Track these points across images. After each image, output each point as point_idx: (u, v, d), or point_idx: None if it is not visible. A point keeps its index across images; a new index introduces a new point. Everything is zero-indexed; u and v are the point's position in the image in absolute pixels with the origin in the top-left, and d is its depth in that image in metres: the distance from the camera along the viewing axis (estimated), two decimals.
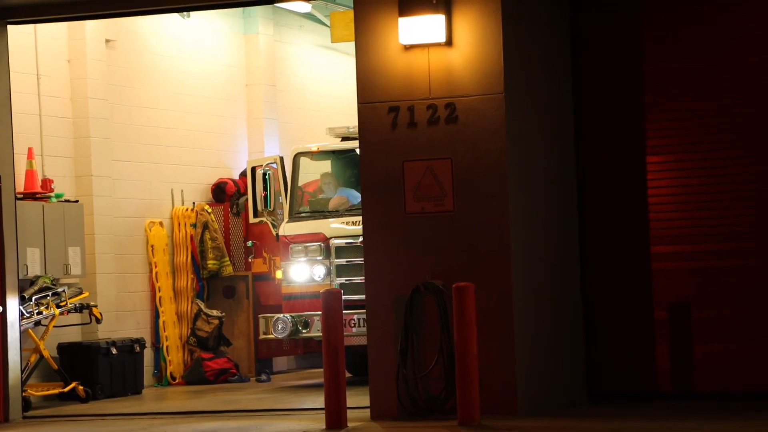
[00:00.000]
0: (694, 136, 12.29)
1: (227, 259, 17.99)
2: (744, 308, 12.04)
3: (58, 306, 14.98)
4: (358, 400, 12.00)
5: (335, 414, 11.02)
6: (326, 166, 16.81)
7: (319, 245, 15.90)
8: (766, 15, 12.07)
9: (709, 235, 12.20)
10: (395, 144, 11.61)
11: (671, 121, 12.35)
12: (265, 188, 16.33)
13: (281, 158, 16.56)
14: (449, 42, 11.47)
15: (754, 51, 12.08)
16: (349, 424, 11.07)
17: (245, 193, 18.47)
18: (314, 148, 16.65)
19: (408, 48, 11.57)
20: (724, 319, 12.11)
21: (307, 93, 20.67)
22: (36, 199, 15.38)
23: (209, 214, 17.95)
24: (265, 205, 16.34)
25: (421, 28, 11.44)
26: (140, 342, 16.29)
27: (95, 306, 15.49)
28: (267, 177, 16.35)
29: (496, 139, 11.36)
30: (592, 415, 11.62)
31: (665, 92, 12.33)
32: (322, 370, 11.19)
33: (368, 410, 11.66)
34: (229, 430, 11.70)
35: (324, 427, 11.04)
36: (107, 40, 16.82)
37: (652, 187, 12.36)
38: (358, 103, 11.78)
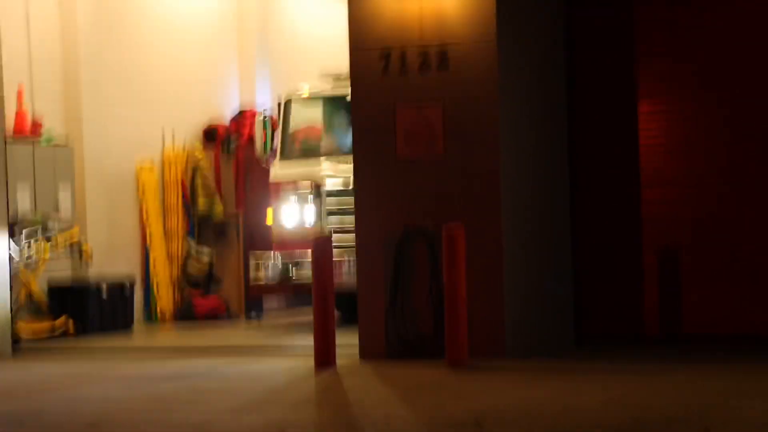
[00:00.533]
0: (686, 82, 12.35)
1: (218, 199, 18.10)
2: (730, 254, 12.18)
3: (47, 241, 15.06)
4: (347, 339, 12.13)
5: (324, 352, 11.18)
6: (318, 110, 16.85)
7: (311, 189, 15.97)
8: None
9: (698, 182, 12.30)
10: (387, 89, 11.70)
11: (663, 66, 12.41)
12: (264, 133, 16.41)
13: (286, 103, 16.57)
14: None
15: (746, 7, 12.15)
16: (338, 363, 11.22)
17: (235, 136, 18.57)
18: (306, 93, 16.70)
19: None
20: (712, 263, 12.25)
21: (299, 38, 20.67)
22: (26, 141, 15.43)
23: (200, 156, 18.04)
24: (265, 150, 16.43)
25: None
26: (130, 280, 16.43)
27: (86, 244, 15.61)
28: (266, 122, 16.44)
29: (487, 86, 11.46)
30: (577, 356, 11.83)
31: (657, 38, 12.40)
32: (312, 309, 11.34)
33: (357, 350, 11.82)
34: (217, 366, 11.85)
35: (313, 365, 11.19)
36: None
37: (644, 131, 12.46)
38: (350, 48, 11.87)
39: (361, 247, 11.87)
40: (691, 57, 12.32)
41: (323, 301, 11.19)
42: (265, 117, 16.45)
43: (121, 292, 16.22)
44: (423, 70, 11.60)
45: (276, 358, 12.36)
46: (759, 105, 12.09)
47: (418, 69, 11.62)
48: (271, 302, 18.96)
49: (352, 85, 11.94)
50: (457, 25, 11.51)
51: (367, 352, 11.73)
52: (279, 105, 16.61)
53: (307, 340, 12.14)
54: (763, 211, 12.11)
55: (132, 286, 16.44)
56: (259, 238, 17.92)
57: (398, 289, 11.62)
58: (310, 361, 11.28)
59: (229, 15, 19.32)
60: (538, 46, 12.35)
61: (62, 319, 15.17)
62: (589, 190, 12.61)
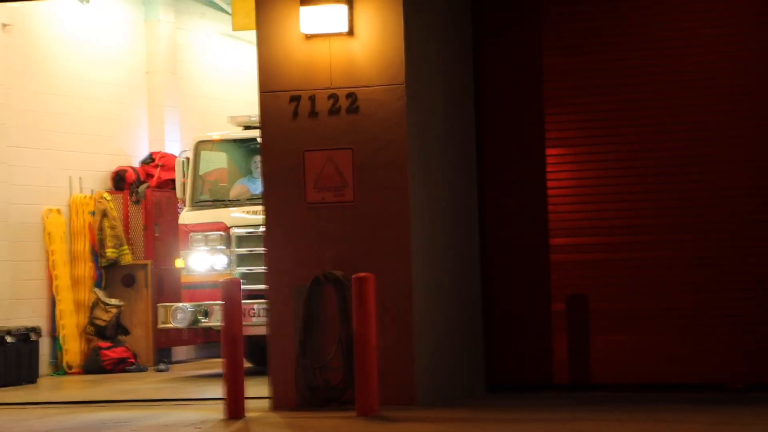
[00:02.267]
0: (593, 130, 12.41)
1: (126, 247, 17.82)
2: (639, 301, 12.19)
3: None
4: (258, 390, 11.96)
5: (234, 404, 10.99)
6: (228, 154, 16.74)
7: (220, 234, 15.83)
8: (662, 11, 12.23)
9: (606, 228, 12.34)
10: (296, 133, 11.58)
11: (571, 114, 12.47)
12: (184, 175, 16.28)
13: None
14: (351, 32, 11.46)
15: (650, 46, 12.23)
16: (248, 414, 11.04)
17: (145, 181, 18.35)
18: (216, 137, 16.58)
19: (309, 37, 11.54)
20: (620, 311, 12.26)
21: (209, 81, 20.54)
22: None
23: (108, 201, 17.77)
24: (184, 192, 16.28)
25: (323, 18, 11.41)
26: (36, 330, 16.08)
27: None
28: (185, 164, 16.30)
29: (398, 130, 11.37)
30: (489, 405, 11.70)
31: (564, 85, 12.45)
32: (221, 359, 11.13)
33: (268, 401, 11.62)
34: (126, 419, 11.59)
35: (223, 417, 10.99)
36: (3, 25, 16.57)
37: (551, 180, 12.47)
38: (260, 91, 11.73)
39: (271, 295, 11.68)
40: (598, 103, 12.33)
41: (232, 347, 10.97)
42: (184, 159, 16.29)
43: (26, 343, 15.84)
44: (333, 114, 11.47)
45: (185, 411, 12.11)
46: (666, 147, 12.14)
47: (328, 113, 11.49)
48: (180, 353, 18.69)
49: (261, 129, 11.79)
50: (367, 68, 11.43)
51: (278, 403, 11.53)
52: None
53: (217, 392, 11.91)
54: (671, 258, 12.12)
55: (38, 336, 16.06)
56: (169, 287, 17.67)
57: (308, 338, 11.43)
58: (221, 413, 11.05)
59: (139, 57, 19.12)
60: (448, 91, 12.30)
61: None
62: (499, 236, 12.55)
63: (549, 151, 12.48)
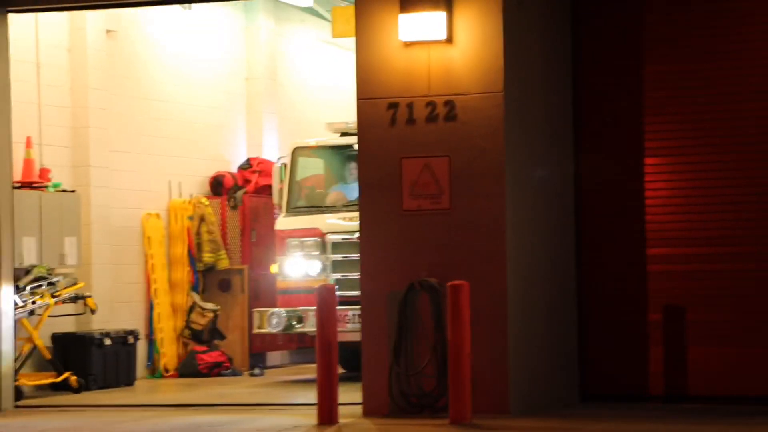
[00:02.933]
0: (692, 139, 12.28)
1: (223, 252, 17.96)
2: (737, 312, 12.03)
3: (52, 296, 14.96)
4: (350, 396, 11.98)
5: (327, 410, 11.00)
6: (324, 161, 16.81)
7: (315, 240, 15.89)
8: (760, 21, 12.07)
9: (705, 239, 12.19)
10: (393, 141, 11.59)
11: (669, 123, 12.34)
12: (281, 181, 16.39)
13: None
14: (450, 39, 11.45)
15: (754, 55, 12.07)
16: (341, 420, 11.05)
17: (242, 186, 18.49)
18: (313, 143, 16.65)
19: (408, 45, 11.55)
20: (717, 322, 12.10)
21: (307, 87, 20.65)
22: (33, 188, 15.36)
23: (206, 206, 17.93)
24: (281, 198, 16.38)
25: (422, 25, 11.42)
26: (134, 333, 16.27)
27: (90, 296, 15.47)
28: (282, 170, 16.39)
29: (495, 139, 11.33)
30: (583, 415, 11.60)
31: (664, 95, 12.32)
32: (315, 365, 11.17)
33: (360, 407, 11.64)
34: (220, 423, 11.67)
35: (315, 422, 11.02)
36: (108, 30, 16.79)
37: (650, 189, 12.35)
38: (358, 98, 11.76)
39: (366, 301, 11.70)
40: (698, 112, 12.19)
41: (326, 352, 10.99)
42: (282, 165, 16.40)
43: (124, 345, 16.04)
44: (430, 122, 11.46)
45: (279, 416, 12.15)
46: (766, 162, 11.97)
47: (426, 120, 11.49)
48: (275, 358, 18.79)
49: (359, 136, 11.82)
50: (465, 76, 11.41)
51: (370, 409, 11.53)
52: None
53: (311, 397, 11.95)
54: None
55: (136, 339, 16.26)
56: (265, 292, 17.78)
57: (402, 345, 11.43)
58: (313, 419, 11.07)
59: (238, 64, 19.29)
60: (547, 99, 12.24)
61: (65, 375, 14.97)
62: (596, 245, 12.45)
63: (648, 161, 12.36)
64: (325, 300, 11.11)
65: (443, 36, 11.41)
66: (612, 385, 12.39)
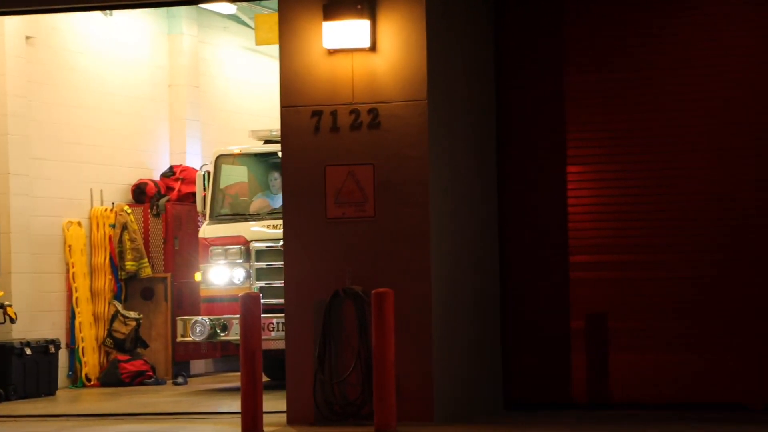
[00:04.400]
0: (614, 147, 12.38)
1: (146, 260, 17.84)
2: (658, 320, 12.14)
3: None
4: (275, 404, 11.96)
5: (251, 419, 10.94)
6: (248, 168, 16.75)
7: (240, 248, 15.84)
8: (687, 29, 12.21)
9: (626, 246, 12.29)
10: (318, 148, 11.57)
11: (592, 132, 12.44)
12: (204, 188, 16.31)
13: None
14: (373, 47, 11.46)
15: (675, 65, 12.21)
16: (265, 429, 11.01)
17: (165, 194, 18.38)
18: (236, 151, 16.59)
19: (332, 52, 11.54)
20: (639, 330, 12.20)
21: (230, 95, 20.56)
22: None
23: (128, 214, 17.80)
24: (204, 206, 16.30)
25: (346, 33, 11.41)
26: (55, 343, 16.09)
27: (9, 305, 15.29)
28: (206, 177, 16.31)
29: (419, 146, 11.35)
30: (507, 423, 11.65)
31: (586, 103, 12.42)
32: (239, 373, 11.11)
33: (285, 415, 11.60)
34: None
35: (240, 431, 10.96)
36: (27, 37, 16.60)
37: (572, 197, 12.43)
38: (281, 106, 11.73)
39: (290, 309, 11.66)
40: (618, 122, 12.30)
41: (251, 361, 10.94)
42: (205, 173, 16.32)
43: (45, 355, 15.87)
44: (354, 129, 11.46)
45: (202, 425, 12.09)
46: (690, 170, 12.10)
47: (350, 128, 11.49)
48: (199, 367, 18.69)
49: (282, 144, 11.79)
50: (389, 84, 11.42)
51: (295, 417, 11.50)
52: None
53: (234, 406, 11.89)
54: (688, 277, 12.08)
55: (57, 348, 16.08)
56: (188, 300, 17.69)
57: (327, 353, 11.41)
58: (237, 427, 11.02)
59: (161, 71, 19.16)
60: (470, 107, 12.28)
61: None
62: (519, 252, 12.52)
63: (570, 169, 12.45)
64: (249, 308, 11.06)
65: (367, 44, 11.42)
66: (536, 393, 12.46)
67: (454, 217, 11.85)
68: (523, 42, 12.58)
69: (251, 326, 11.02)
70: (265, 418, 11.12)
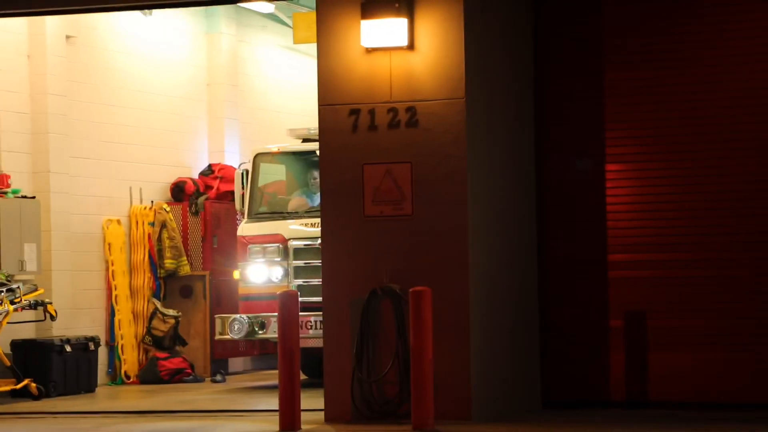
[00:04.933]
0: (653, 146, 12.32)
1: (185, 258, 17.90)
2: (698, 318, 12.08)
3: (11, 302, 14.86)
4: (313, 402, 11.97)
5: (289, 416, 10.98)
6: (286, 167, 16.79)
7: (278, 246, 15.87)
8: (729, 27, 12.13)
9: (665, 245, 12.23)
10: (355, 147, 11.58)
11: (631, 129, 12.39)
12: (243, 187, 16.35)
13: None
14: (411, 46, 11.46)
15: (716, 62, 12.13)
16: (303, 427, 11.04)
17: (204, 192, 18.44)
18: (274, 149, 16.62)
19: (370, 51, 11.55)
20: (678, 328, 12.14)
21: (268, 93, 20.61)
22: None
23: (167, 212, 17.87)
24: (243, 204, 16.34)
25: (384, 32, 11.41)
26: (95, 340, 16.19)
27: (50, 303, 15.38)
28: (245, 176, 16.36)
29: (457, 145, 11.34)
30: (544, 421, 11.62)
31: (625, 101, 12.36)
32: (277, 371, 11.14)
33: (323, 413, 11.62)
34: (181, 430, 11.63)
35: (277, 429, 10.99)
36: (68, 36, 16.71)
37: (611, 195, 12.39)
38: (319, 105, 11.74)
39: (328, 308, 11.68)
40: (658, 119, 12.23)
41: (289, 359, 10.97)
42: (243, 171, 16.37)
43: (85, 352, 15.96)
44: (392, 128, 11.46)
45: (241, 422, 12.13)
46: (727, 165, 12.03)
47: (387, 126, 11.49)
48: (237, 365, 18.74)
49: (320, 143, 11.80)
50: (427, 82, 11.41)
51: (332, 415, 11.52)
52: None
53: (272, 404, 11.91)
54: (728, 276, 12.00)
55: (96, 346, 16.18)
56: (227, 298, 17.74)
57: (364, 352, 11.42)
58: (275, 425, 11.05)
59: (200, 70, 19.23)
60: (509, 105, 12.26)
61: (25, 382, 14.87)
62: (558, 251, 12.48)
63: (609, 167, 12.40)
64: (287, 306, 11.09)
65: (404, 42, 11.41)
66: (574, 391, 12.42)
67: (493, 215, 11.83)
68: (563, 39, 12.54)
69: (289, 324, 11.04)
70: (303, 416, 11.15)
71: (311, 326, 15.16)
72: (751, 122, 12.05)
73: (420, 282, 11.07)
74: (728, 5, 12.13)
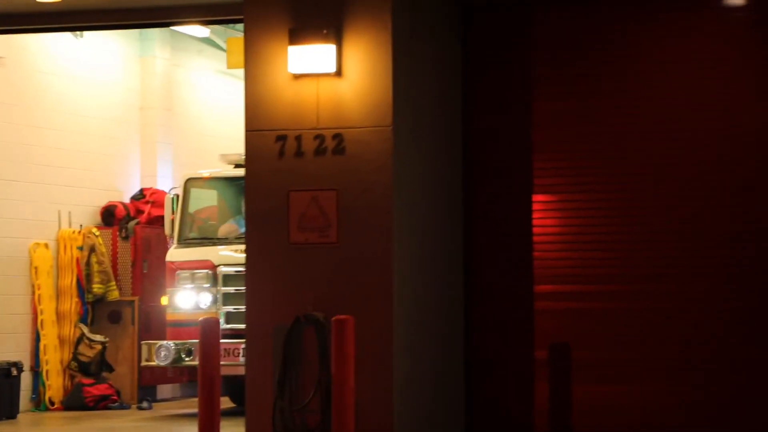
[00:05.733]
0: (581, 177, 12.32)
1: (113, 283, 17.73)
2: (623, 351, 12.04)
3: None
4: (236, 431, 11.82)
5: None
6: (218, 192, 16.68)
7: (207, 272, 15.74)
8: (654, 58, 12.18)
9: (591, 276, 12.21)
10: (282, 173, 11.47)
11: (558, 161, 12.38)
12: (173, 212, 16.21)
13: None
14: (339, 72, 11.37)
15: (641, 94, 12.16)
16: None
17: (135, 217, 18.27)
18: (206, 174, 16.51)
19: (297, 77, 11.45)
20: (603, 360, 12.10)
21: (203, 118, 20.51)
22: None
23: (97, 236, 17.69)
24: (172, 229, 16.21)
25: (311, 58, 11.32)
26: (18, 365, 15.96)
27: None
28: (175, 201, 16.23)
29: (383, 173, 11.26)
30: None
31: (553, 131, 12.36)
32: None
33: None
34: None
35: None
36: None
37: (538, 226, 12.36)
38: (246, 130, 11.63)
39: (251, 335, 11.53)
40: (586, 150, 12.25)
41: (209, 387, 10.79)
42: (174, 196, 16.23)
43: (7, 378, 15.71)
44: (318, 155, 11.37)
45: None
46: (654, 203, 12.06)
47: (314, 153, 11.39)
48: (165, 391, 18.55)
49: (246, 168, 11.69)
50: (354, 109, 11.33)
51: None
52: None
53: None
54: (654, 308, 12.01)
55: (19, 371, 15.94)
56: (156, 324, 17.57)
57: (287, 380, 11.28)
58: None
59: (133, 93, 19.10)
60: (436, 134, 12.21)
61: None
62: (484, 281, 12.44)
63: (536, 197, 12.38)
64: (208, 333, 10.92)
65: (332, 69, 11.33)
66: (498, 422, 12.35)
67: (418, 244, 11.76)
68: (491, 67, 12.52)
69: (210, 352, 10.87)
70: None
71: (240, 353, 15.03)
72: (679, 154, 12.07)
73: (345, 309, 10.96)
74: (654, 32, 12.17)
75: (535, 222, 12.35)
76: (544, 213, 12.38)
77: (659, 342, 11.96)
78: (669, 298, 11.98)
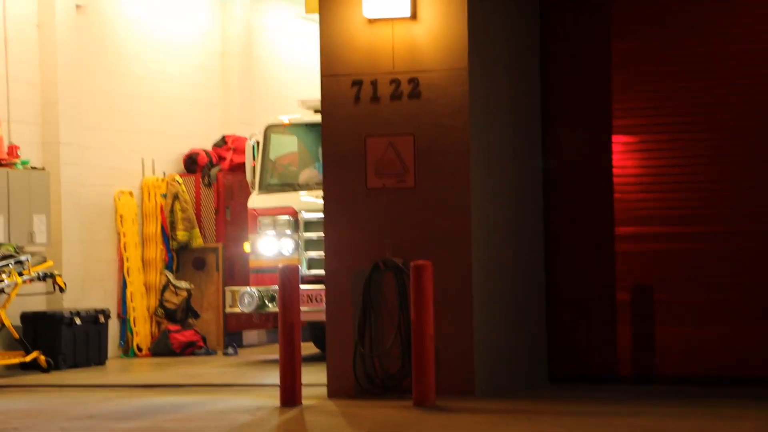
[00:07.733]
0: (661, 117, 12.12)
1: (197, 230, 17.81)
2: (705, 292, 11.91)
3: (20, 274, 14.81)
4: (318, 376, 11.87)
5: (289, 391, 10.89)
6: (298, 138, 16.64)
7: (288, 219, 15.72)
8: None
9: (673, 218, 12.05)
10: (358, 118, 11.43)
11: (638, 101, 12.19)
12: (254, 159, 16.21)
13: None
14: (414, 16, 11.28)
15: (723, 31, 11.90)
16: (305, 402, 10.93)
17: (217, 164, 18.32)
18: (286, 121, 16.47)
19: (372, 21, 11.38)
20: (685, 303, 11.97)
21: (283, 63, 20.45)
22: (1, 165, 15.19)
23: (180, 184, 17.77)
24: (254, 176, 16.21)
25: (386, 2, 11.27)
26: (105, 312, 16.12)
27: (59, 275, 15.32)
28: (255, 148, 16.22)
29: (459, 116, 11.17)
30: (549, 397, 11.46)
31: (633, 72, 12.15)
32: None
33: (326, 387, 11.51)
34: (184, 404, 11.55)
35: (278, 404, 10.89)
36: (77, 6, 16.59)
37: (617, 167, 12.20)
38: (322, 75, 11.61)
39: (330, 281, 11.57)
40: (667, 90, 12.02)
41: (289, 333, 10.86)
42: (255, 143, 16.22)
43: (95, 325, 15.90)
44: (394, 99, 11.30)
45: (243, 397, 12.03)
46: (737, 142, 11.81)
47: (390, 98, 11.33)
48: (251, 337, 18.65)
49: (323, 114, 11.67)
50: (429, 53, 11.25)
51: (334, 390, 11.42)
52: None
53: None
54: (737, 249, 11.80)
55: (107, 318, 16.11)
56: (240, 271, 17.63)
57: (367, 326, 11.29)
58: (277, 400, 10.95)
59: (213, 39, 19.08)
60: (512, 76, 12.07)
61: (34, 354, 14.84)
62: (563, 223, 12.31)
63: (615, 138, 12.21)
64: (288, 280, 10.96)
65: (407, 13, 11.24)
66: (580, 366, 12.27)
67: (496, 187, 11.67)
68: (569, 8, 12.32)
69: (289, 298, 10.92)
70: (307, 390, 11.06)
71: (321, 300, 15.01)
72: (763, 93, 11.82)
73: (423, 254, 10.93)
74: None
75: (614, 163, 12.18)
76: (623, 154, 12.22)
77: (742, 284, 11.79)
78: (753, 238, 11.78)
